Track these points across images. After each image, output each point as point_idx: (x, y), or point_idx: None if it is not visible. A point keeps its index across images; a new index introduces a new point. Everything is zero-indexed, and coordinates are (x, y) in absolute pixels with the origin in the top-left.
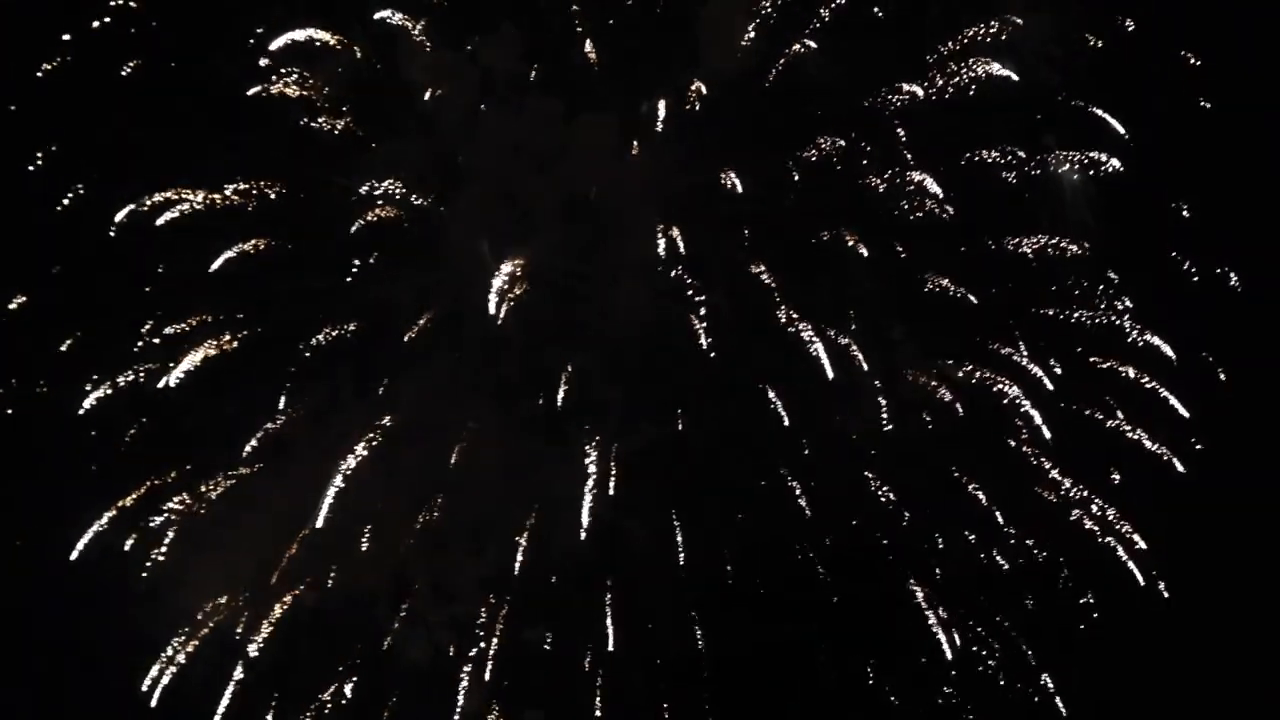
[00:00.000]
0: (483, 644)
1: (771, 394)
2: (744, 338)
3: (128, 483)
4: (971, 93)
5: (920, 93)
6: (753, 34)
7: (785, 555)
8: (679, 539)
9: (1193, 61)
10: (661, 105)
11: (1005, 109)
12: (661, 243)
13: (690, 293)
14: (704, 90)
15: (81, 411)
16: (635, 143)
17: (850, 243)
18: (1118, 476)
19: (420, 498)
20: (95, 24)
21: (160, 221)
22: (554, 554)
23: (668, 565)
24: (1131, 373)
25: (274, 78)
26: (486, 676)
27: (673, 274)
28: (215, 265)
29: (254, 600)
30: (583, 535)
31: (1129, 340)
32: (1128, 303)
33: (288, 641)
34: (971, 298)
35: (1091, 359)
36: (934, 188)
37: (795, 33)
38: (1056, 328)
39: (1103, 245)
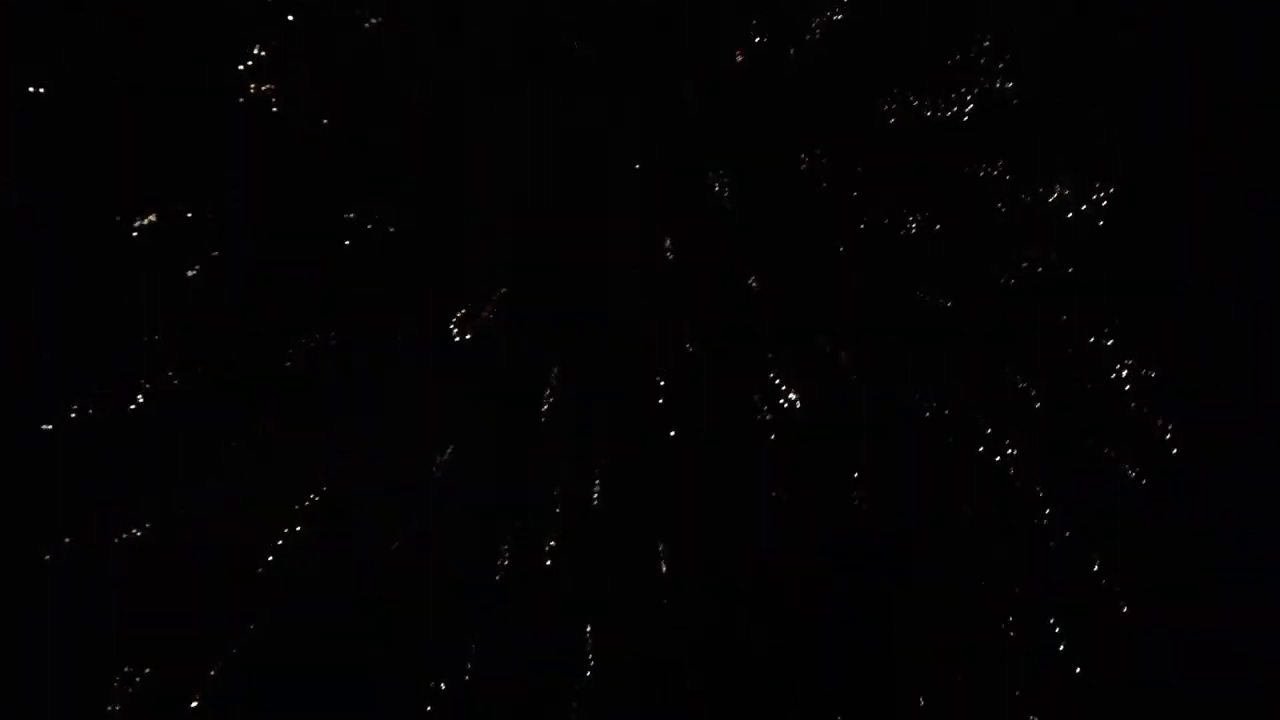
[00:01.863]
0: (463, 645)
1: (757, 398)
2: (731, 342)
3: (104, 492)
4: (968, 108)
5: (915, 104)
6: (749, 39)
7: (767, 560)
8: (662, 541)
9: (1189, 84)
10: (654, 105)
11: (1000, 124)
12: (651, 244)
13: (679, 295)
14: (696, 92)
15: (50, 427)
16: (626, 143)
17: (840, 249)
18: (1101, 495)
19: (404, 501)
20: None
21: (134, 231)
22: (537, 554)
23: (650, 566)
24: (1117, 393)
25: (253, 83)
26: (466, 676)
27: (661, 276)
28: (193, 271)
29: (228, 610)
30: (566, 535)
31: (1115, 361)
32: (1116, 323)
33: (259, 652)
34: (960, 313)
35: (1077, 379)
36: (926, 202)
37: (792, 39)
38: (1044, 346)
39: (1092, 265)
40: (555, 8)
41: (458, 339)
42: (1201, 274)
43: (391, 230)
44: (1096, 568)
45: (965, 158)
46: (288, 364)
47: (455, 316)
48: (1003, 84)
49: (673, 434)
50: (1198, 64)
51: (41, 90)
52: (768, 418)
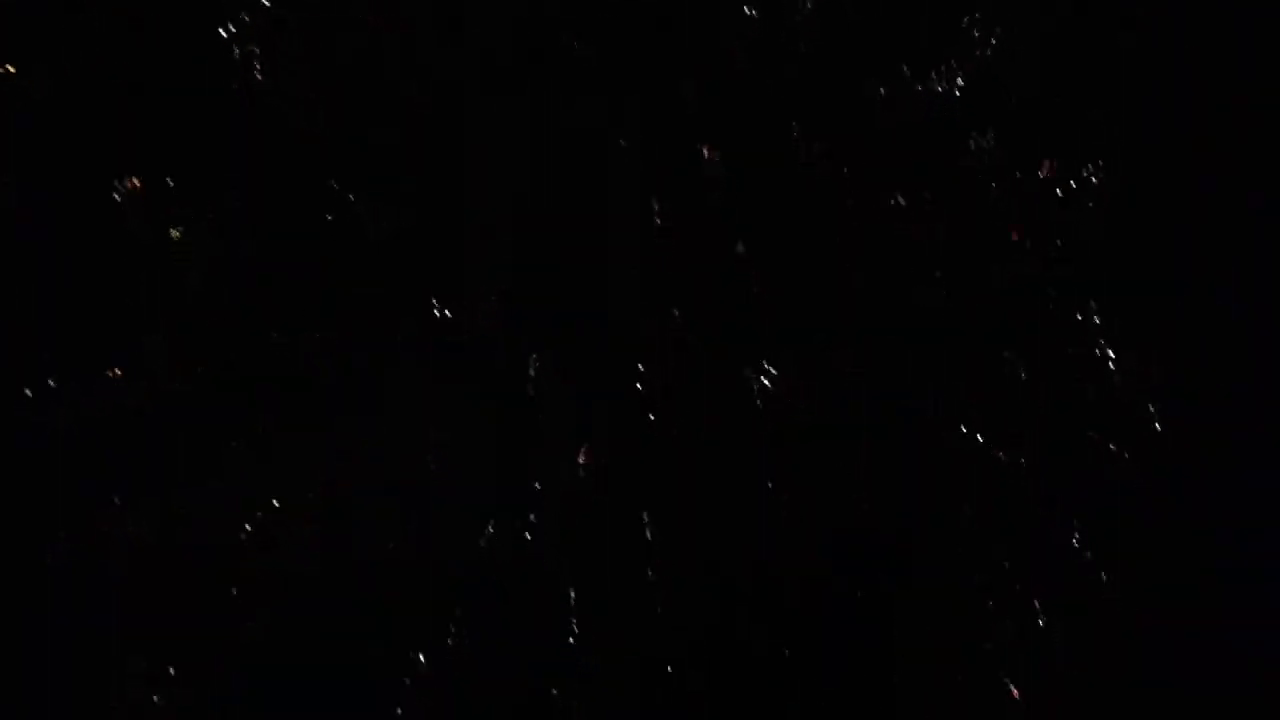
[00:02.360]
0: (463, 645)
1: (756, 399)
2: (731, 341)
3: (104, 492)
4: (955, 97)
5: (908, 95)
6: (745, 25)
7: (767, 560)
8: (653, 533)
9: (1189, 84)
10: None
11: (999, 123)
12: (651, 244)
13: (675, 282)
14: (694, 83)
15: (48, 425)
16: (625, 136)
17: (839, 248)
18: (1100, 495)
19: (399, 497)
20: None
21: (127, 224)
22: (535, 554)
23: (649, 566)
24: (1116, 392)
25: (246, 74)
26: (465, 676)
27: (658, 263)
28: (191, 267)
29: (228, 610)
30: (565, 535)
31: (1114, 360)
32: (1114, 319)
33: (259, 652)
34: (960, 313)
35: (1077, 378)
36: (924, 199)
37: (787, 27)
38: (1044, 346)
39: (1087, 260)
40: (555, 8)
41: (457, 339)
42: (1201, 274)
43: (391, 230)
44: (1096, 568)
45: (962, 155)
46: (288, 364)
47: (454, 316)
48: (1000, 77)
49: (672, 433)
50: (1198, 64)
51: (41, 91)
52: (767, 418)
